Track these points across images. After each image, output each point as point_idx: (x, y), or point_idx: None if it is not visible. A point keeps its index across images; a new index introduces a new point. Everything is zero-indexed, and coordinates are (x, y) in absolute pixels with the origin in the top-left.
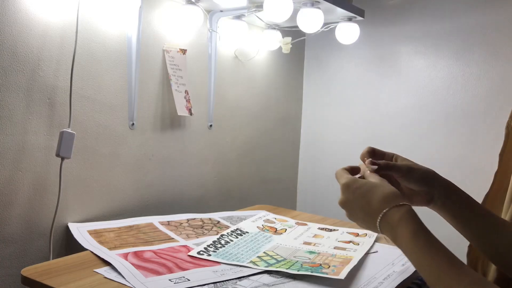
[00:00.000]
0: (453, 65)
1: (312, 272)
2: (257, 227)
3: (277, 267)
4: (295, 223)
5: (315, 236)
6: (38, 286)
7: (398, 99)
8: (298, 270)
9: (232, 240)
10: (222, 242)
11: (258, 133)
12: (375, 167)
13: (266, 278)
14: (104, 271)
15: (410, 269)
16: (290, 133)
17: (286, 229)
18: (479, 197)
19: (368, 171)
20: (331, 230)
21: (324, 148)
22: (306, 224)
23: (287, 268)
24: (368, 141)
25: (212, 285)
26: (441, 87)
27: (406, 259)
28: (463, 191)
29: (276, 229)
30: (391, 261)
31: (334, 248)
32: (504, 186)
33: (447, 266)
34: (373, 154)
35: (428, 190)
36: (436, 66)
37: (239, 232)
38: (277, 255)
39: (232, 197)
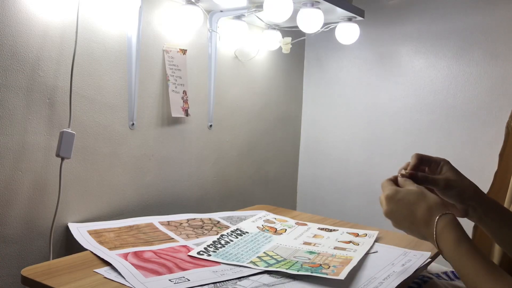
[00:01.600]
0: (453, 65)
1: (312, 272)
2: (257, 227)
3: (277, 267)
4: (295, 223)
5: (315, 236)
6: (38, 286)
7: (398, 99)
8: (298, 271)
9: (232, 240)
10: (222, 242)
11: (258, 133)
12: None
13: (266, 278)
14: (104, 271)
15: (410, 269)
16: (290, 133)
17: (286, 229)
18: None
19: (400, 176)
20: (331, 230)
21: (324, 148)
22: (306, 224)
23: (287, 268)
24: (368, 141)
25: (212, 285)
26: (441, 87)
27: (406, 259)
28: (506, 208)
29: (276, 229)
30: (391, 261)
31: (334, 248)
32: (504, 186)
33: (485, 272)
34: (421, 161)
35: (462, 206)
36: (436, 66)
37: (239, 232)
38: (277, 255)
39: (232, 197)
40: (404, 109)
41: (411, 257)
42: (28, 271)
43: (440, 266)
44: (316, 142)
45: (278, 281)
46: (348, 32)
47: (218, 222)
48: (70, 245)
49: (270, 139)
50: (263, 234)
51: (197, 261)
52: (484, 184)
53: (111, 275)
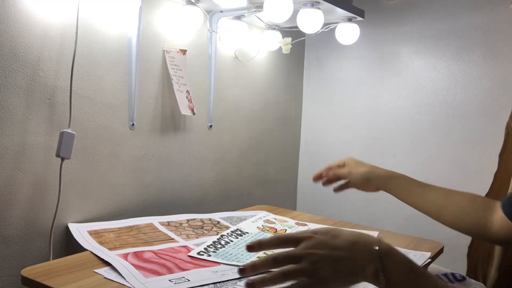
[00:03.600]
0: (453, 65)
1: None
2: (257, 227)
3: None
4: (295, 223)
5: None
6: (38, 287)
7: (398, 99)
8: None
9: (232, 241)
10: (222, 242)
11: (258, 133)
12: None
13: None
14: (104, 271)
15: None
16: (290, 133)
17: (286, 230)
18: None
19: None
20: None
21: (324, 148)
22: (306, 225)
23: None
24: (368, 141)
25: (212, 285)
26: (441, 87)
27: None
28: (402, 176)
29: (276, 229)
30: None
31: None
32: (504, 186)
33: None
34: (329, 169)
35: (370, 185)
36: (436, 66)
37: (239, 232)
38: None
39: (232, 197)
40: (404, 109)
41: (411, 257)
42: (28, 272)
43: (439, 267)
44: (316, 142)
45: None
46: (348, 32)
47: (218, 222)
48: (70, 245)
49: (270, 139)
50: (263, 235)
51: (197, 262)
52: (484, 184)
53: (111, 275)
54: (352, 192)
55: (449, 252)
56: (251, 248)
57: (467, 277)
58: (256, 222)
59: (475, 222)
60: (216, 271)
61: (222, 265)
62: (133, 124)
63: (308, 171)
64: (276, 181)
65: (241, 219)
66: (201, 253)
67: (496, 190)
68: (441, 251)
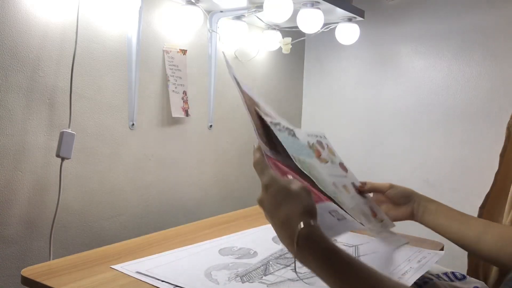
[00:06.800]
0: (453, 65)
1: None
2: (308, 142)
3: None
4: (339, 164)
5: (344, 186)
6: (38, 287)
7: (398, 99)
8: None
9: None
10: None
11: None
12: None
13: (290, 273)
14: (121, 267)
15: (426, 266)
16: None
17: (328, 162)
18: (479, 197)
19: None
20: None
21: None
22: (346, 171)
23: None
24: (368, 141)
25: (239, 278)
26: (441, 87)
27: (421, 255)
28: (446, 206)
29: (321, 155)
30: (407, 258)
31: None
32: (505, 187)
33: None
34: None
35: (407, 206)
36: (436, 66)
37: (292, 133)
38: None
39: (232, 197)
40: (404, 109)
41: (426, 254)
42: (28, 272)
43: (440, 267)
44: None
45: (302, 276)
46: (348, 32)
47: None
48: (70, 245)
49: None
50: (308, 151)
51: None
52: (484, 184)
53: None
54: None
55: (449, 252)
56: None
57: (468, 276)
58: (309, 137)
59: None
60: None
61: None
62: (133, 124)
63: None
64: None
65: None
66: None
67: (497, 191)
68: (441, 250)
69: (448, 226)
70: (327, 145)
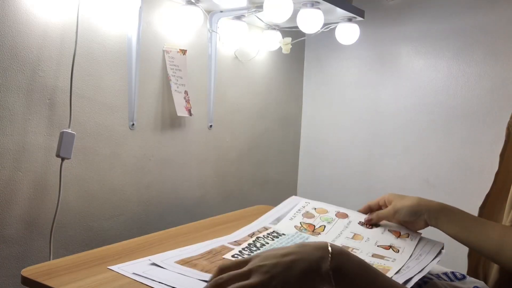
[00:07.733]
0: (453, 65)
1: None
2: (295, 226)
3: None
4: (335, 215)
5: (354, 236)
6: (38, 287)
7: (398, 99)
8: None
9: (267, 243)
10: (258, 245)
11: (258, 133)
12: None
13: None
14: (118, 268)
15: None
16: (290, 133)
17: (324, 226)
18: (479, 198)
19: None
20: (372, 227)
21: (324, 148)
22: (347, 216)
23: None
24: (368, 141)
25: None
26: (441, 87)
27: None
28: (453, 208)
29: (315, 226)
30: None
31: (372, 256)
32: (506, 187)
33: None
34: (369, 209)
35: (419, 220)
36: (436, 66)
37: (275, 234)
38: None
39: (231, 197)
40: (404, 109)
41: (427, 242)
42: (28, 272)
43: (440, 266)
44: (316, 142)
45: None
46: (348, 32)
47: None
48: (70, 245)
49: (270, 139)
50: (300, 235)
51: None
52: (484, 184)
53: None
54: (352, 192)
55: (449, 252)
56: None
57: (468, 276)
58: (295, 219)
59: None
60: None
61: None
62: (133, 124)
63: (308, 171)
64: (276, 181)
65: (278, 219)
66: (235, 255)
67: (497, 191)
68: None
69: (465, 237)
70: (315, 208)
